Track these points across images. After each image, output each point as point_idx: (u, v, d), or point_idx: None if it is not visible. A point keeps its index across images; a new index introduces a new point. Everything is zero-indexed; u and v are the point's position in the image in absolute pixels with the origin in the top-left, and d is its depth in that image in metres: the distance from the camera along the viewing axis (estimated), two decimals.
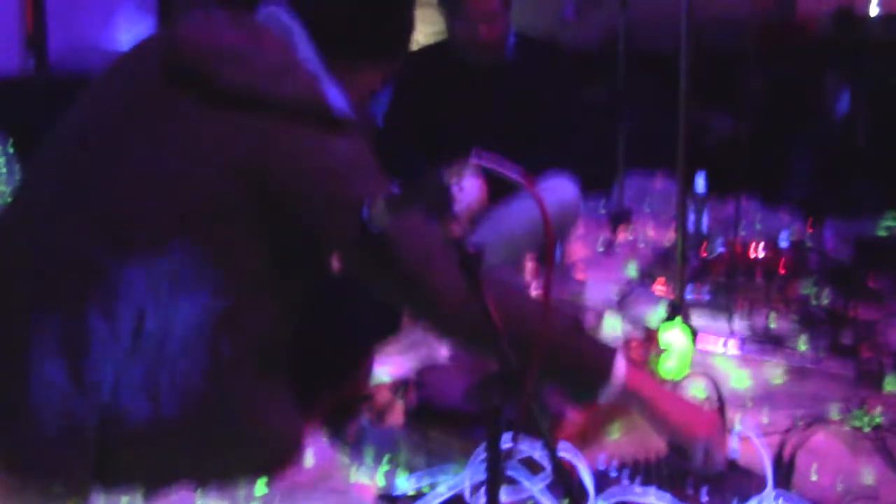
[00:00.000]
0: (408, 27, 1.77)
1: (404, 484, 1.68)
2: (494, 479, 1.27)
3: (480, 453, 1.57)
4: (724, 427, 1.68)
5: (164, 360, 1.53)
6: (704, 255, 3.05)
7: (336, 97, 1.63)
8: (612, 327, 2.57)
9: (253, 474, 1.63)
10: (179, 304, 1.54)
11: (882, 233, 3.45)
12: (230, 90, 1.55)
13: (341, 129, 1.59)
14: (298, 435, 1.71)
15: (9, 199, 1.82)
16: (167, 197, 1.56)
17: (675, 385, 2.08)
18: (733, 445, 1.68)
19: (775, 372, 2.32)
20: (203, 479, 1.59)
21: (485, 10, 2.75)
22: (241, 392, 1.59)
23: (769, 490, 1.56)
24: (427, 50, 3.05)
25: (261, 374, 1.62)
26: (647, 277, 3.06)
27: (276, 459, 1.67)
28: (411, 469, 1.74)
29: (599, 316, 2.51)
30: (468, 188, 2.66)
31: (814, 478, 1.73)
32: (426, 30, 3.00)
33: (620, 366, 1.61)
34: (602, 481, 1.60)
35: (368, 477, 1.73)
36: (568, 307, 2.47)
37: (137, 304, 1.53)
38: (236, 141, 1.55)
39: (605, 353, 1.63)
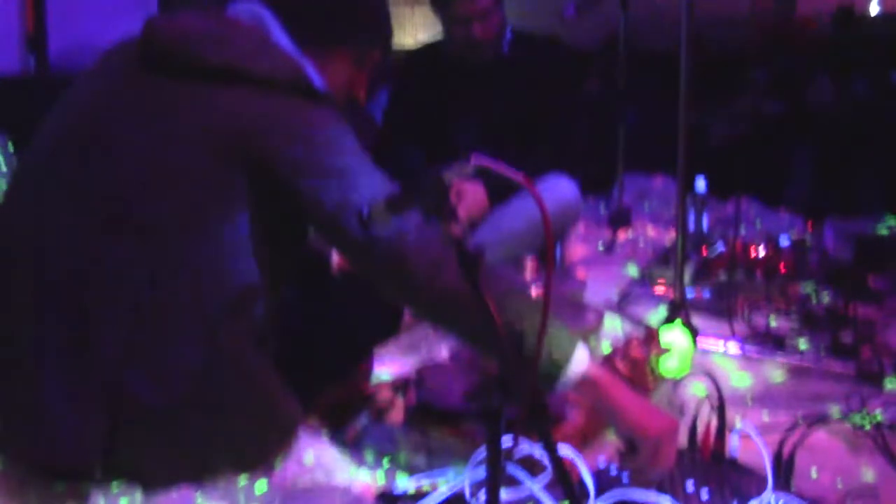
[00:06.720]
0: (375, 11, 1.82)
1: (404, 484, 1.68)
2: (494, 479, 1.27)
3: (480, 453, 1.57)
4: (677, 436, 1.58)
5: (166, 341, 1.54)
6: (705, 254, 3.04)
7: (314, 75, 1.67)
8: (612, 327, 2.57)
9: (256, 452, 1.64)
10: (178, 284, 1.55)
11: (882, 233, 3.45)
12: (211, 68, 1.58)
13: (324, 101, 1.62)
14: (297, 412, 1.72)
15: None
16: (157, 180, 1.57)
17: (676, 384, 2.08)
18: (733, 445, 1.68)
19: (775, 372, 2.32)
20: (208, 455, 1.59)
21: (477, 8, 2.74)
22: (243, 367, 1.60)
23: (769, 490, 1.56)
24: (423, 49, 3.06)
25: (259, 351, 1.64)
26: (647, 277, 3.06)
27: (278, 434, 1.68)
28: (411, 469, 1.74)
29: (599, 316, 2.51)
30: (468, 193, 2.66)
31: (814, 477, 1.73)
32: (428, 31, 3.01)
33: (582, 355, 1.54)
34: (602, 481, 1.60)
35: (368, 477, 1.73)
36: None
37: (137, 287, 1.54)
38: (221, 118, 1.57)
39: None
